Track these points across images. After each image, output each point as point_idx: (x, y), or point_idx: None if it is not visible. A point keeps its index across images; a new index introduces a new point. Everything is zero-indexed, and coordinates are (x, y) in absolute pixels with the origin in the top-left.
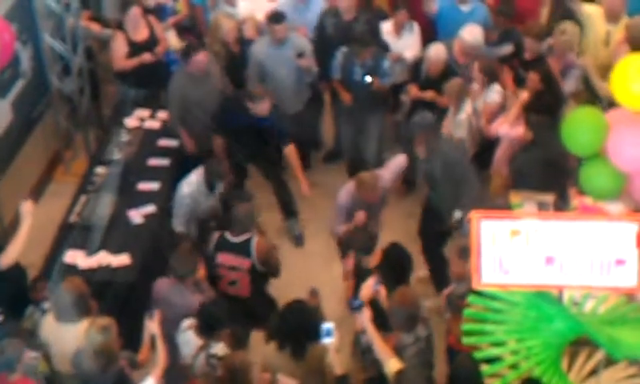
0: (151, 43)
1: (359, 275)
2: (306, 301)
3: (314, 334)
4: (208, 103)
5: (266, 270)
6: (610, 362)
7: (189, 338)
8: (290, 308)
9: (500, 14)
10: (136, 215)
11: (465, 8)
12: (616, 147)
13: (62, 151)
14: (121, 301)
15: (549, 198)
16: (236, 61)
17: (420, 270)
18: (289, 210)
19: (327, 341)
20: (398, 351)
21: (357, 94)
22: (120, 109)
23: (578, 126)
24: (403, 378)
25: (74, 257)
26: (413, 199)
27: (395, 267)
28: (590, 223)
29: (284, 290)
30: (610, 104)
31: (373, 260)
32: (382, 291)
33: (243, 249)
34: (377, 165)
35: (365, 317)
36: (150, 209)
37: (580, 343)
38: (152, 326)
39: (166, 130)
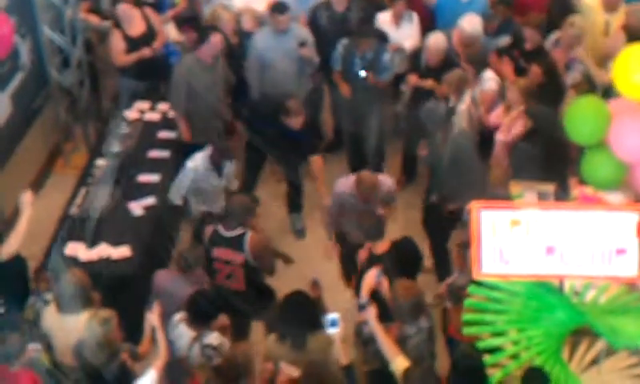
0: (148, 37)
1: (368, 266)
2: (306, 291)
3: (315, 325)
4: (213, 92)
5: (259, 266)
6: (610, 351)
7: (181, 332)
8: (290, 298)
9: (500, 3)
10: (136, 207)
11: None
12: (618, 137)
13: (62, 144)
14: (121, 293)
15: (549, 187)
16: (235, 52)
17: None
18: (295, 204)
19: (332, 331)
20: (401, 342)
21: (356, 86)
22: (120, 101)
23: (581, 115)
24: (411, 376)
25: (75, 249)
26: (413, 189)
27: (405, 261)
28: (590, 213)
29: (285, 281)
30: (605, 92)
31: (381, 247)
32: (385, 282)
33: (236, 243)
34: (377, 156)
35: (371, 314)
36: (150, 201)
37: (581, 333)
38: (152, 318)
39: (166, 122)
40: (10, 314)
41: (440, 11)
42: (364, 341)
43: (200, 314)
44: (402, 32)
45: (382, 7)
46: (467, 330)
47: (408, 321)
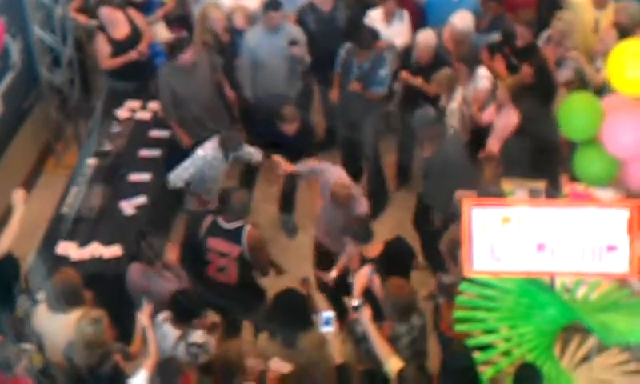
0: (133, 39)
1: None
2: (297, 289)
3: (306, 323)
4: (198, 96)
5: (254, 261)
6: (602, 348)
7: (165, 331)
8: (281, 296)
9: (491, 0)
10: (127, 206)
11: None
12: (611, 133)
13: (53, 143)
14: (112, 292)
15: (540, 184)
16: (226, 51)
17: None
18: (288, 203)
19: (326, 330)
20: (392, 340)
21: (351, 93)
22: (110, 100)
23: (574, 111)
24: (405, 377)
25: (66, 248)
26: (406, 191)
27: (398, 261)
28: (581, 210)
29: (276, 279)
30: (597, 91)
31: (373, 250)
32: (377, 280)
33: (234, 235)
34: (373, 160)
35: (365, 316)
36: (142, 200)
37: (572, 330)
38: (143, 318)
39: (156, 121)
40: (1, 314)
41: (431, 9)
42: (357, 339)
43: (184, 313)
44: (393, 30)
45: (370, 5)
46: (459, 328)
47: (400, 319)
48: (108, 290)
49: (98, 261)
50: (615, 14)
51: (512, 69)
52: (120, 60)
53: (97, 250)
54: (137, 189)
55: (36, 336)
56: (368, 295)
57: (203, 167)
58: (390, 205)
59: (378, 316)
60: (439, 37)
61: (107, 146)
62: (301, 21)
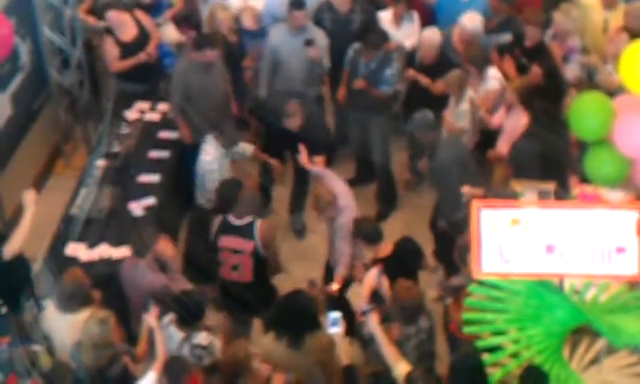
0: (141, 40)
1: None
2: (304, 291)
3: (312, 324)
4: (210, 93)
5: (267, 255)
6: (611, 350)
7: (171, 333)
8: (287, 297)
9: (502, 1)
10: (136, 207)
11: None
12: (622, 133)
13: (62, 145)
14: (121, 293)
15: (550, 186)
16: (233, 51)
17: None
18: (298, 203)
19: (334, 330)
20: (401, 342)
21: (359, 92)
22: (120, 102)
23: (585, 111)
24: (413, 380)
25: (75, 250)
26: (415, 193)
27: (408, 261)
28: (590, 211)
29: (284, 281)
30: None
31: (383, 251)
32: (385, 282)
33: (246, 231)
34: (382, 162)
35: (374, 321)
36: (151, 201)
37: (581, 332)
38: (150, 319)
39: (166, 122)
40: (11, 315)
41: (440, 10)
42: (364, 341)
43: (189, 315)
44: (403, 31)
45: (381, 6)
46: (468, 329)
47: (408, 321)
48: (117, 292)
49: (107, 262)
50: (625, 18)
51: (522, 69)
52: (129, 62)
53: (106, 251)
54: (146, 190)
55: (45, 337)
56: (376, 296)
57: (218, 172)
58: (399, 206)
59: (385, 318)
60: (446, 37)
61: (116, 148)
62: (317, 19)
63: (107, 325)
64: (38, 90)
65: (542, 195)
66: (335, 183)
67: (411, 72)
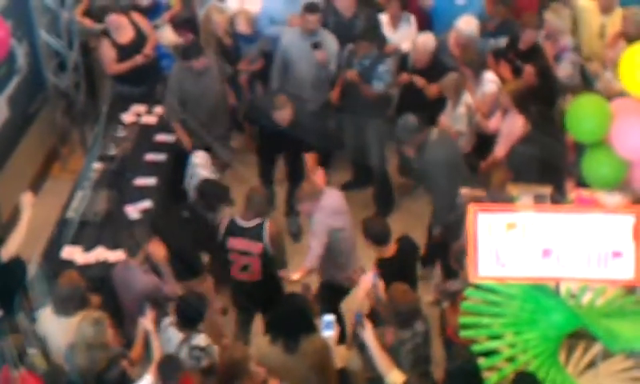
0: (138, 43)
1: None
2: (299, 294)
3: (307, 327)
4: (205, 99)
5: (276, 256)
6: (607, 354)
7: (170, 335)
8: (283, 301)
9: (499, 3)
10: (133, 211)
11: (460, 1)
12: (620, 135)
13: (59, 147)
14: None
15: (546, 190)
16: (228, 54)
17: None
18: (293, 207)
19: (327, 334)
20: (396, 347)
21: (354, 92)
22: (116, 104)
23: (582, 113)
24: None
25: (72, 253)
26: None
27: (410, 260)
28: (586, 215)
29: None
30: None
31: (389, 250)
32: (381, 285)
33: (255, 233)
34: (379, 165)
35: (367, 330)
36: (147, 204)
37: (577, 336)
38: (145, 322)
39: (162, 126)
40: (6, 318)
41: (436, 14)
42: (360, 344)
43: (188, 317)
44: (400, 34)
45: (380, 10)
46: (464, 333)
47: (403, 325)
48: (113, 295)
49: (103, 265)
50: (623, 23)
51: (517, 72)
52: (126, 65)
53: (102, 254)
54: (142, 193)
55: (40, 340)
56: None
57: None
58: (395, 210)
59: (381, 321)
60: (441, 42)
61: (113, 151)
62: (322, 22)
63: (101, 326)
64: (35, 92)
65: (538, 199)
66: (334, 197)
67: (404, 76)
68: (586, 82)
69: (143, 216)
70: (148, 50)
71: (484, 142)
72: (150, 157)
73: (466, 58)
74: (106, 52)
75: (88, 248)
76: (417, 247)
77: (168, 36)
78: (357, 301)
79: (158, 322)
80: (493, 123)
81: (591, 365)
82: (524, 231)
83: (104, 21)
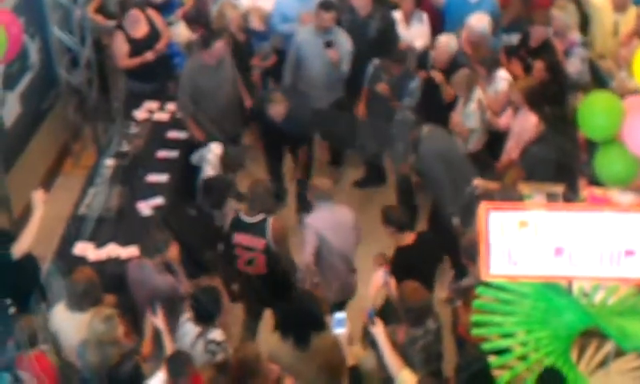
0: (152, 38)
1: (396, 259)
2: (309, 291)
3: (318, 325)
4: (219, 94)
5: (280, 252)
6: (619, 353)
7: (188, 329)
8: (295, 298)
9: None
10: (145, 207)
11: None
12: (632, 132)
13: (71, 144)
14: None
15: (558, 188)
16: (241, 50)
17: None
18: (305, 203)
19: (339, 331)
20: (408, 344)
21: (379, 107)
22: (129, 101)
23: (594, 110)
24: None
25: (84, 249)
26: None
27: (430, 253)
28: (599, 214)
29: None
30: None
31: (408, 238)
32: (392, 283)
33: (258, 229)
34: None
35: (378, 330)
36: (159, 201)
37: (589, 334)
38: (156, 320)
39: (174, 122)
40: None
41: (449, 12)
42: (372, 341)
43: (205, 312)
44: (413, 31)
45: (393, 7)
46: (476, 331)
47: (415, 323)
48: (125, 291)
49: (115, 262)
50: (637, 21)
51: (528, 70)
52: (137, 60)
53: (114, 250)
54: (154, 190)
55: (52, 336)
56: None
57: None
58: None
59: (393, 319)
60: (457, 39)
61: (125, 147)
62: (338, 22)
63: (112, 322)
64: (47, 89)
65: (551, 197)
66: (342, 212)
67: (422, 74)
68: (598, 80)
69: (155, 213)
70: (160, 45)
71: (495, 138)
72: (162, 154)
73: (479, 56)
74: (120, 45)
75: (100, 244)
76: (438, 244)
77: (182, 32)
78: (369, 298)
79: (174, 320)
80: (503, 120)
81: (603, 363)
82: (536, 230)
83: (116, 17)
